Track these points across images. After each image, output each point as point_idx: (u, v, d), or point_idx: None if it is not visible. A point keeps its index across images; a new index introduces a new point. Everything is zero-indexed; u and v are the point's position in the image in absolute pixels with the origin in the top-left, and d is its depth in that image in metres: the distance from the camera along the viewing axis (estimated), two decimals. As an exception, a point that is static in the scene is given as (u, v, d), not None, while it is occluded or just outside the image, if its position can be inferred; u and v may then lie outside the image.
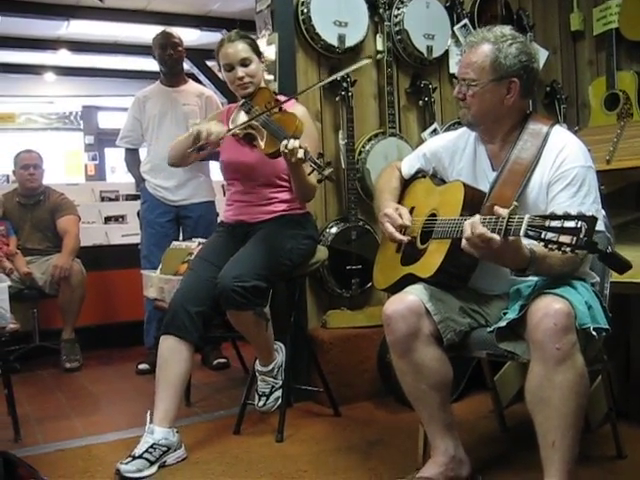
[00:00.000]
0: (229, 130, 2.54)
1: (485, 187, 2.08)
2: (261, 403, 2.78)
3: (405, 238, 2.14)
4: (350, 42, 3.21)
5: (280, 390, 2.77)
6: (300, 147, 2.32)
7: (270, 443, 2.65)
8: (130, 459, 2.35)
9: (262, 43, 3.11)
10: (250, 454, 2.54)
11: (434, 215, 2.11)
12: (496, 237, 1.69)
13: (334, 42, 3.17)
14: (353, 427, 2.80)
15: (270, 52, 3.10)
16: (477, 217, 1.74)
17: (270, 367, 2.78)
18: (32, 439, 2.84)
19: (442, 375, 2.03)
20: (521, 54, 2.01)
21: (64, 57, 7.93)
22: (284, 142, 2.32)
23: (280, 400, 2.75)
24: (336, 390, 2.96)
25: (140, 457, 2.36)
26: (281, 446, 2.62)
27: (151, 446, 2.40)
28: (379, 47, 3.34)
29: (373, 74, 3.37)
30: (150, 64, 6.14)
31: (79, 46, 7.54)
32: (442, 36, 3.49)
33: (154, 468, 2.38)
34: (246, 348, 3.62)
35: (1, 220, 4.21)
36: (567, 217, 1.57)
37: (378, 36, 3.34)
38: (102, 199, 5.64)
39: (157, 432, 2.43)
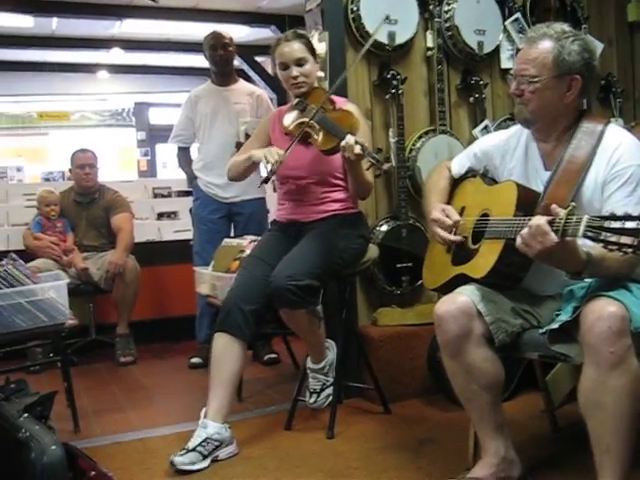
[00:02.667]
0: (287, 149, 2.56)
1: (537, 187, 2.06)
2: (312, 400, 2.81)
3: (457, 238, 2.14)
4: (400, 39, 3.20)
5: (331, 387, 2.79)
6: (357, 143, 2.34)
7: (321, 439, 2.67)
8: (184, 452, 2.42)
9: (313, 41, 3.12)
10: (301, 450, 2.58)
11: (486, 215, 2.10)
12: (553, 234, 1.68)
13: (384, 40, 3.16)
14: (403, 425, 2.81)
15: (320, 49, 3.12)
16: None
17: (322, 365, 2.81)
18: (90, 431, 2.93)
19: (493, 376, 2.03)
20: (584, 51, 1.98)
21: (117, 55, 8.08)
22: (346, 138, 2.35)
23: (331, 397, 2.78)
24: (386, 387, 2.97)
25: (193, 450, 2.42)
26: (332, 443, 2.65)
27: (204, 440, 2.45)
28: (429, 44, 3.32)
29: (423, 71, 3.36)
30: (200, 61, 6.20)
31: (131, 44, 7.69)
32: (493, 31, 3.44)
33: (207, 462, 2.44)
34: (297, 344, 3.66)
35: (59, 218, 4.34)
36: (628, 218, 1.55)
37: (428, 33, 3.32)
38: (155, 196, 5.70)
39: (210, 427, 2.48)
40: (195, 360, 3.98)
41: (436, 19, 3.30)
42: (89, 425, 3.00)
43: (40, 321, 2.77)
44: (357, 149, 2.35)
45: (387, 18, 2.96)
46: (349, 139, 2.36)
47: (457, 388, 2.08)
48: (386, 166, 2.31)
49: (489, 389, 2.03)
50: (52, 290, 2.83)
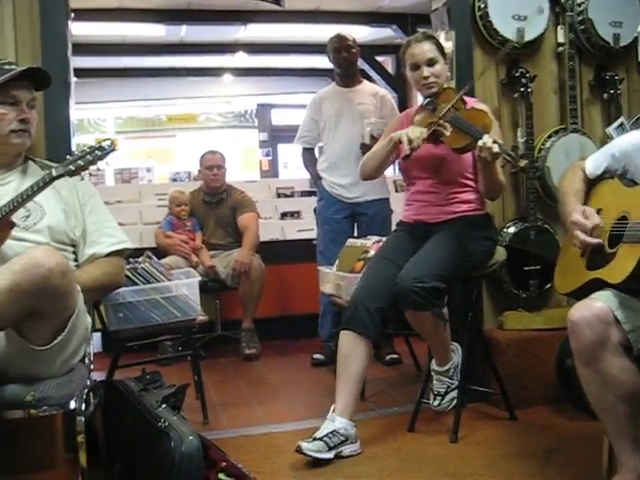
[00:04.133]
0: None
1: (683, 188, 1.95)
2: (436, 403, 2.79)
3: (597, 241, 2.05)
4: (529, 36, 3.11)
5: (456, 391, 2.76)
6: (494, 142, 2.32)
7: (444, 443, 2.65)
8: (311, 439, 2.48)
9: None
10: (424, 453, 2.56)
11: (624, 218, 2.01)
12: None
13: (512, 37, 3.09)
14: (529, 432, 2.73)
15: (447, 49, 3.09)
16: None
17: (446, 367, 2.78)
18: (218, 423, 3.03)
19: (632, 386, 1.92)
20: None
21: (241, 59, 8.33)
22: (483, 138, 2.34)
23: (455, 401, 2.75)
24: (511, 393, 2.90)
25: (320, 439, 2.48)
26: (455, 447, 2.61)
27: (331, 432, 2.50)
28: (560, 39, 3.20)
29: (554, 68, 3.25)
30: (322, 62, 6.29)
31: (255, 48, 7.89)
32: (631, 22, 3.26)
33: (331, 454, 2.48)
34: (418, 344, 3.64)
35: (189, 217, 4.53)
36: None
37: (559, 28, 3.20)
38: (278, 195, 5.82)
39: (338, 421, 2.52)
40: (318, 358, 4.04)
41: (568, 13, 3.18)
42: (217, 417, 3.11)
43: (173, 316, 2.89)
44: (495, 148, 2.32)
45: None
46: (486, 138, 2.34)
47: (591, 398, 1.99)
48: (522, 163, 2.28)
49: (627, 400, 1.93)
50: (185, 287, 2.95)
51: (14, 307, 1.69)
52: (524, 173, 2.31)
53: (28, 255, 1.73)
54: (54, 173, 1.92)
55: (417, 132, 2.52)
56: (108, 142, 1.95)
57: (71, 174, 1.93)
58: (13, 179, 2.17)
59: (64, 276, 1.75)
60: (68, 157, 1.96)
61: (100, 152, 1.94)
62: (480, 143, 2.35)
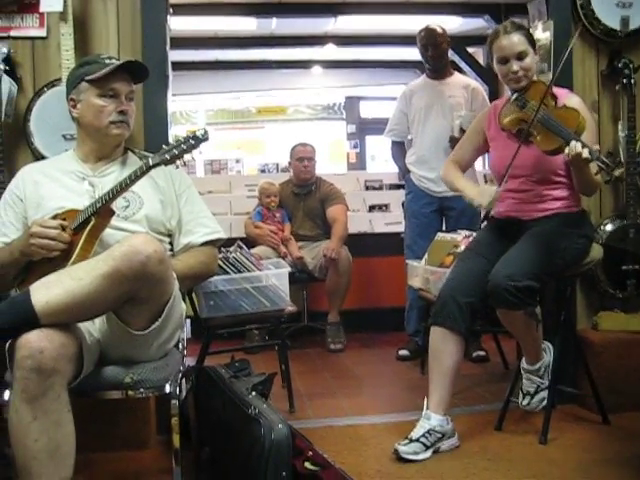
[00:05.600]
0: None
1: None
2: (525, 402, 2.73)
3: None
4: (635, 24, 2.98)
5: (546, 391, 2.69)
6: (584, 146, 2.22)
7: (533, 444, 2.59)
8: (407, 441, 2.48)
9: (536, 32, 3.01)
10: (512, 453, 2.51)
11: None
12: None
13: (615, 26, 2.97)
14: (624, 438, 2.63)
15: (545, 40, 2.99)
16: None
17: (537, 366, 2.71)
18: (303, 413, 3.07)
19: None
20: None
21: (330, 51, 8.33)
22: (571, 144, 2.24)
23: (545, 401, 2.68)
24: (605, 396, 2.80)
25: (417, 440, 2.47)
26: (544, 449, 2.55)
27: (427, 431, 2.49)
28: (669, 27, 3.06)
29: (660, 58, 3.11)
30: (412, 53, 6.22)
31: (344, 40, 7.87)
32: None
33: (429, 453, 2.48)
34: (506, 342, 3.57)
35: (278, 208, 4.59)
36: None
37: (669, 15, 3.06)
38: (366, 188, 5.79)
39: (433, 419, 2.51)
40: (403, 352, 4.02)
41: (678, -1, 3.04)
42: (303, 407, 3.14)
43: (263, 306, 2.93)
44: (585, 154, 2.22)
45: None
46: (575, 144, 2.24)
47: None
48: (617, 172, 2.15)
49: None
50: (274, 277, 2.99)
51: (114, 292, 1.76)
52: (620, 182, 2.18)
53: (128, 242, 1.80)
54: (150, 162, 1.98)
55: (487, 198, 2.53)
56: (202, 131, 1.99)
57: (166, 163, 1.99)
58: (114, 170, 2.25)
59: (161, 263, 1.80)
60: (164, 147, 2.02)
61: (194, 141, 1.98)
62: (569, 149, 2.26)
